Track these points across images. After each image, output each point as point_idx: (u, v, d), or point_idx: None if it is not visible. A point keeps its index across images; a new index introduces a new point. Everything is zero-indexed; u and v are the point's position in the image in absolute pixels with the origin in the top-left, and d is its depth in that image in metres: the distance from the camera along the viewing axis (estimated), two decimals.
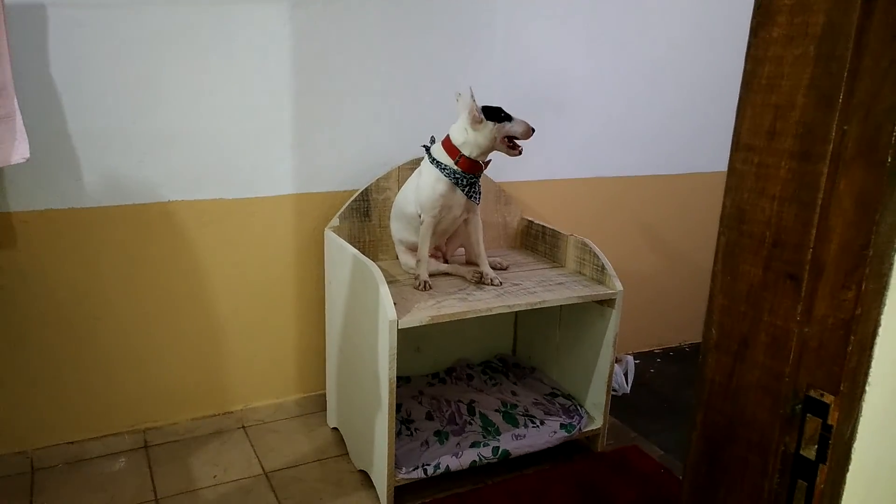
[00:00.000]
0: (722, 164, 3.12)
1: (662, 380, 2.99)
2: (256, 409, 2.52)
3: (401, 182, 2.39)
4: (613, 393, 2.65)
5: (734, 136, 0.68)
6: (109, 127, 2.09)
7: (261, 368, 2.50)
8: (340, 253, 2.22)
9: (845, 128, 0.60)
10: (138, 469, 2.21)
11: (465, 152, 2.11)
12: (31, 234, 2.07)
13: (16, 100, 1.69)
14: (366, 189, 2.40)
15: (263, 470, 2.24)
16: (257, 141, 2.29)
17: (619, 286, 2.22)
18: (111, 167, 2.12)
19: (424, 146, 2.22)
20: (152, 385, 2.34)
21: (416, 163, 2.38)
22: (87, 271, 2.16)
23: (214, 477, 2.19)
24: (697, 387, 0.75)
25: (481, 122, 2.08)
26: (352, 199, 2.39)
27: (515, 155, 2.15)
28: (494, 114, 2.11)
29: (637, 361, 3.06)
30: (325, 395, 2.56)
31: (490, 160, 2.19)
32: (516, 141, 2.13)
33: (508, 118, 2.12)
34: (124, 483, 2.14)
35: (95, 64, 2.03)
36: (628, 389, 2.86)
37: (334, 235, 2.31)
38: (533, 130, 2.13)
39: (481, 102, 2.12)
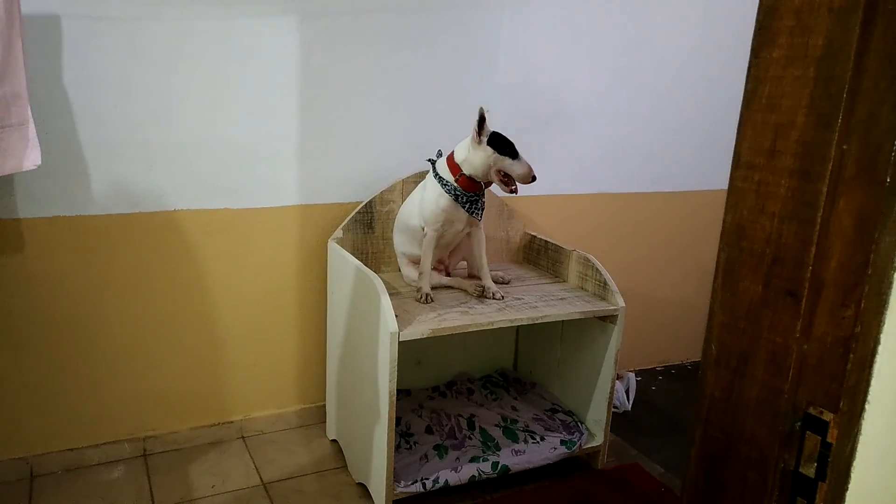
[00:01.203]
0: (725, 183, 3.13)
1: (664, 397, 2.98)
2: (256, 420, 2.52)
3: (404, 195, 2.40)
4: (614, 410, 2.64)
5: (735, 154, 0.69)
6: (119, 136, 2.11)
7: (261, 378, 2.50)
8: (343, 264, 2.23)
9: (844, 147, 0.61)
10: (137, 477, 2.21)
11: (465, 171, 2.12)
12: (40, 241, 2.09)
13: (29, 108, 1.71)
14: (370, 201, 2.41)
15: (262, 481, 2.23)
16: (264, 152, 2.31)
17: (621, 302, 2.23)
18: (119, 175, 2.14)
19: (430, 160, 2.23)
20: (153, 393, 2.34)
21: (419, 176, 2.39)
22: (92, 278, 2.17)
23: (213, 487, 2.19)
24: (697, 403, 0.75)
25: (480, 143, 2.07)
26: (356, 210, 2.40)
27: (508, 192, 2.11)
28: (500, 143, 2.07)
29: (639, 378, 3.05)
30: (324, 406, 2.56)
31: (492, 181, 2.15)
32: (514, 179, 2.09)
33: (512, 154, 2.07)
34: (123, 491, 2.14)
35: (106, 74, 2.05)
36: (629, 406, 2.85)
37: (337, 247, 2.32)
38: (534, 178, 2.07)
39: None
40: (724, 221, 0.71)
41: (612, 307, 2.23)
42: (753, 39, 0.67)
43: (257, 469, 2.29)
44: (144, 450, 2.34)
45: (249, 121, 2.26)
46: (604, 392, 2.33)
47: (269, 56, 2.23)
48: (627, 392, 2.89)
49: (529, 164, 2.08)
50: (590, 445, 2.34)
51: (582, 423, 2.42)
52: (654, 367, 3.26)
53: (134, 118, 2.11)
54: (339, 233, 2.38)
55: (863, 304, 0.61)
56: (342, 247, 2.32)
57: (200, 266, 2.31)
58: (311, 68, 2.29)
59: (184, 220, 2.26)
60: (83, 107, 2.05)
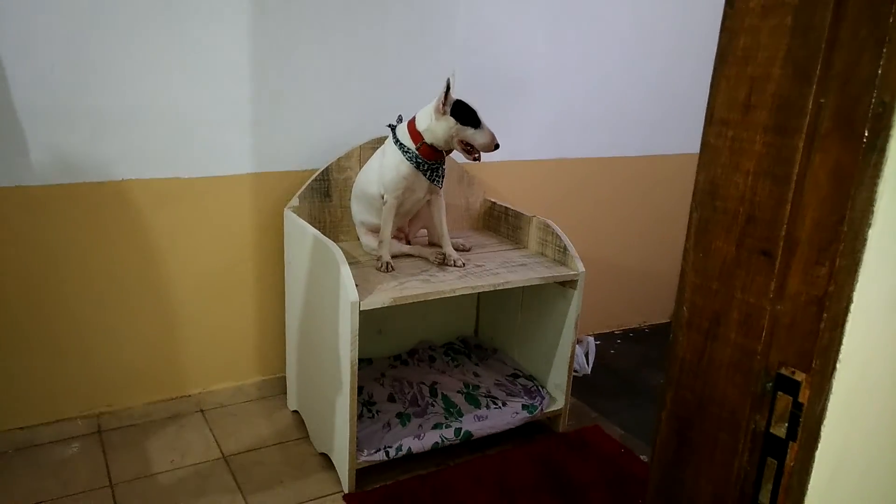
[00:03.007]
0: (685, 147, 3.15)
1: (623, 360, 3.03)
2: (215, 393, 2.47)
3: (362, 162, 2.35)
4: (574, 374, 2.66)
5: (708, 109, 0.67)
6: (58, 101, 1.99)
7: (219, 351, 2.45)
8: (300, 233, 2.17)
9: (822, 100, 0.59)
10: (92, 454, 2.15)
11: (426, 139, 2.07)
12: None
13: None
14: (326, 168, 2.35)
15: (222, 454, 2.20)
16: (215, 118, 2.22)
17: (580, 267, 2.23)
18: (62, 144, 2.03)
19: (390, 125, 2.17)
20: (107, 368, 2.27)
21: (377, 142, 2.34)
22: (36, 252, 2.07)
23: (172, 461, 2.14)
24: (668, 365, 0.74)
25: (444, 113, 2.03)
26: (312, 178, 2.34)
27: (471, 160, 2.09)
28: (462, 112, 2.03)
29: (598, 342, 3.09)
30: (285, 377, 2.52)
31: (452, 149, 2.12)
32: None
33: (475, 124, 2.04)
34: (77, 469, 2.08)
35: (45, 36, 1.93)
36: (589, 370, 2.88)
37: (294, 216, 2.25)
38: (497, 146, 2.05)
39: (438, 84, 2.07)
40: (696, 180, 0.69)
41: (572, 272, 2.23)
42: None
43: (217, 442, 2.25)
44: (99, 426, 2.27)
45: (200, 86, 2.17)
46: (564, 356, 2.34)
47: (219, 16, 2.13)
48: (587, 356, 2.92)
49: (492, 132, 2.05)
50: (551, 409, 2.36)
51: (543, 388, 2.43)
52: (613, 331, 3.30)
53: (73, 82, 2.00)
54: (295, 201, 2.31)
55: (837, 263, 0.60)
56: (299, 216, 2.26)
57: (152, 238, 2.23)
58: (264, 29, 2.20)
59: (132, 190, 2.16)
60: (16, 69, 1.93)
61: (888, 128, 0.57)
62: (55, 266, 2.12)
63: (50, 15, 1.93)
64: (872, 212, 0.59)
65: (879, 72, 0.55)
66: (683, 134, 3.08)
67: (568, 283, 2.27)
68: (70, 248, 2.12)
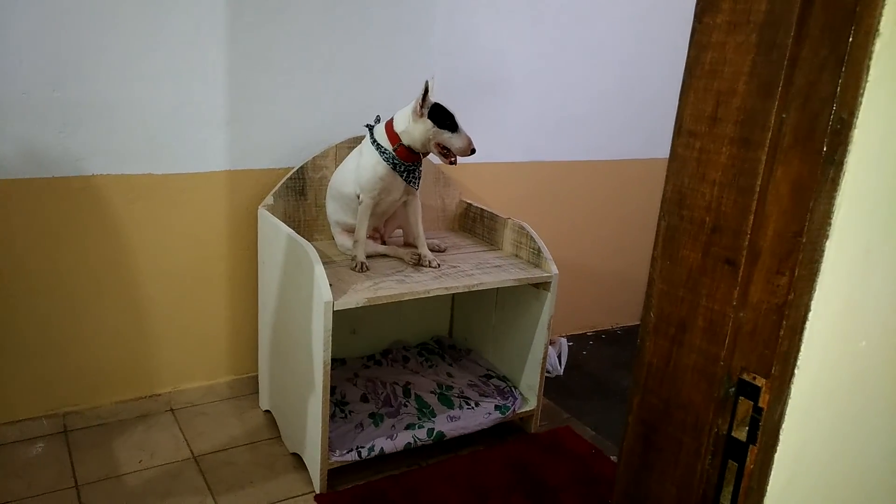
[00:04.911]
0: (656, 152, 3.19)
1: (595, 362, 3.06)
2: (185, 392, 2.44)
3: (338, 161, 2.35)
4: (547, 374, 2.69)
5: (677, 120, 0.69)
6: (27, 93, 1.96)
7: (190, 350, 2.43)
8: (274, 232, 2.16)
9: (783, 116, 0.61)
10: (57, 455, 2.11)
11: (404, 141, 2.08)
12: None
13: None
14: (302, 167, 2.34)
15: (192, 454, 2.18)
16: (189, 114, 2.20)
17: (554, 269, 2.25)
18: (29, 137, 2.00)
19: (368, 125, 2.17)
20: (74, 366, 2.24)
21: (353, 141, 2.34)
22: (2, 247, 2.04)
23: (140, 462, 2.12)
24: (635, 370, 0.76)
25: (422, 116, 2.04)
26: (287, 176, 2.33)
27: (447, 163, 2.11)
28: (440, 116, 2.04)
29: (570, 344, 3.12)
30: (257, 377, 2.50)
31: (429, 151, 2.13)
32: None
33: (452, 128, 2.05)
34: (42, 469, 2.04)
35: (15, 28, 1.90)
36: (561, 371, 2.91)
37: (268, 214, 2.24)
38: (473, 151, 2.06)
39: (416, 84, 2.07)
40: (664, 189, 0.71)
41: (546, 274, 2.25)
42: (696, 4, 0.66)
43: (187, 442, 2.23)
44: (65, 426, 2.24)
45: (174, 80, 2.14)
46: (537, 357, 2.36)
47: (196, 10, 2.11)
48: (559, 357, 2.95)
49: (469, 136, 2.06)
50: (523, 410, 2.38)
51: (516, 389, 2.45)
52: (585, 332, 3.33)
53: (44, 74, 1.97)
54: (269, 200, 2.30)
55: (796, 273, 0.62)
56: (273, 214, 2.25)
57: (122, 235, 2.20)
58: (241, 25, 2.19)
59: (103, 185, 2.14)
60: None
61: (845, 143, 0.59)
62: (22, 261, 2.08)
63: (21, 6, 1.89)
64: (830, 224, 0.61)
65: (838, 90, 0.57)
66: (655, 139, 3.12)
67: (541, 285, 2.29)
68: (38, 244, 2.09)
